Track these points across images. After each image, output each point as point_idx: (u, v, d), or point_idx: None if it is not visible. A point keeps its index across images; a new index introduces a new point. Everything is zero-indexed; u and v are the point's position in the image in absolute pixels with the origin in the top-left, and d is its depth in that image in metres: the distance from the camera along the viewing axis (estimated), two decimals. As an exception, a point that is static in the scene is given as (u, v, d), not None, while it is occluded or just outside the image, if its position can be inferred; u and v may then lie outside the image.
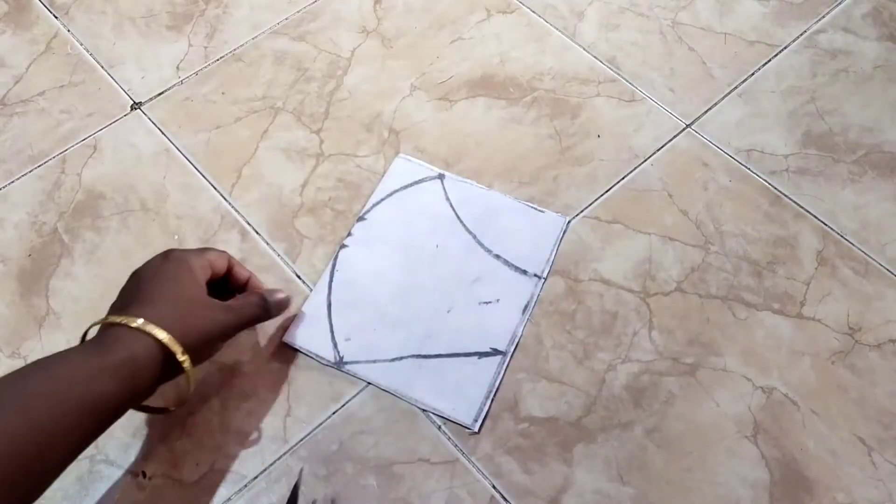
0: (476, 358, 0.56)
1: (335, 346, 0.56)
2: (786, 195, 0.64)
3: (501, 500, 0.51)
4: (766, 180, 0.65)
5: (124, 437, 0.53)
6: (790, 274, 0.60)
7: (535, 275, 0.59)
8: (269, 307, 0.52)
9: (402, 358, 0.56)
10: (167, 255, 0.50)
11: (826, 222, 0.63)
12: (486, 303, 0.58)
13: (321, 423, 0.53)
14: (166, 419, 0.53)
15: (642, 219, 0.63)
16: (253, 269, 0.60)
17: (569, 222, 0.62)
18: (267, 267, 0.61)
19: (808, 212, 0.63)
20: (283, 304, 0.54)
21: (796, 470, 0.52)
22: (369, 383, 0.55)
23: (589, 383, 0.55)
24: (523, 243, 0.61)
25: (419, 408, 0.54)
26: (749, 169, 0.66)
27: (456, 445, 0.53)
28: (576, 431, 0.53)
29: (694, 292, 0.59)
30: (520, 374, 0.55)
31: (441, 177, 0.65)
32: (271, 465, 0.52)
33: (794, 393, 0.55)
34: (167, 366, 0.45)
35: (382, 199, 0.63)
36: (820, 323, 0.58)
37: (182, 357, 0.45)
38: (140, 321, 0.44)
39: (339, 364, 0.55)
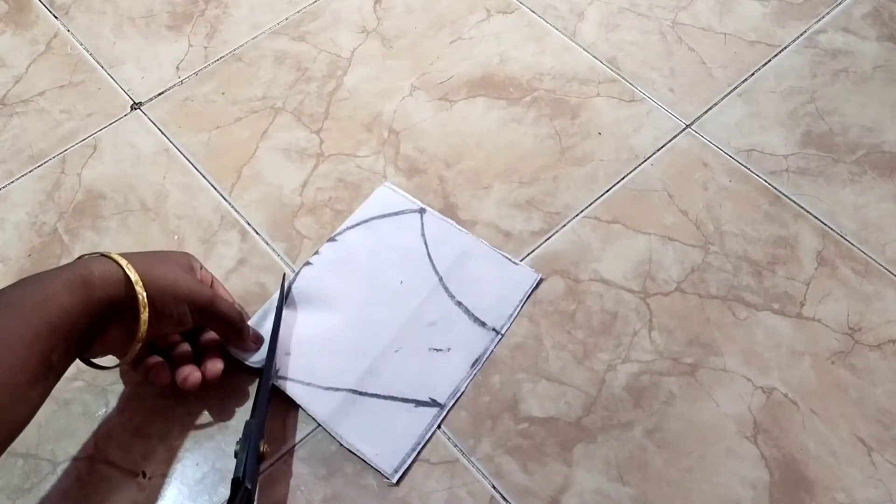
0: (413, 405, 0.53)
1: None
2: (786, 195, 0.64)
3: (501, 500, 0.51)
4: (766, 180, 0.65)
5: (124, 437, 0.53)
6: (790, 274, 0.60)
7: (494, 329, 0.57)
8: (245, 322, 0.53)
9: (337, 389, 0.54)
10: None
11: (826, 222, 0.63)
12: (437, 350, 0.56)
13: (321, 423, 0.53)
14: (166, 419, 0.53)
15: (642, 219, 0.63)
16: (253, 270, 0.60)
17: (541, 279, 0.59)
18: (267, 267, 0.61)
19: (808, 212, 0.63)
20: (258, 337, 0.54)
21: (796, 470, 0.52)
22: (297, 404, 0.53)
23: (589, 383, 0.55)
24: (489, 295, 0.58)
25: (342, 445, 0.52)
26: (749, 169, 0.66)
27: (456, 445, 0.53)
28: (576, 431, 0.53)
29: (694, 292, 0.59)
30: (520, 374, 0.55)
31: (422, 211, 0.62)
32: (271, 465, 0.52)
33: (794, 393, 0.55)
34: (128, 297, 0.45)
35: (357, 224, 0.62)
36: (820, 323, 0.58)
37: (134, 277, 0.45)
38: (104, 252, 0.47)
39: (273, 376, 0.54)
